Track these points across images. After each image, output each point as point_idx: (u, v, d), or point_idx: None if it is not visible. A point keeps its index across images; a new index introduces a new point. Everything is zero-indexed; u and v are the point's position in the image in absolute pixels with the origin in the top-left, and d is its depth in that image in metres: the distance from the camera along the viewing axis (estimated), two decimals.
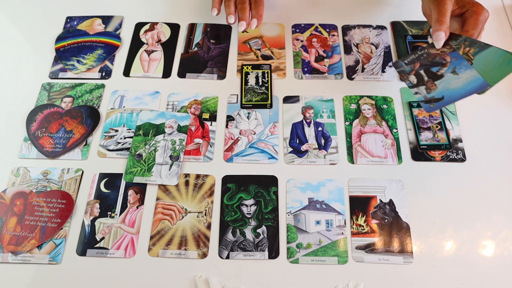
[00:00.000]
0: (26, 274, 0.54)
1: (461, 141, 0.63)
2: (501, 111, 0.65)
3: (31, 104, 0.67)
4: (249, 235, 0.56)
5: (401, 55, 0.64)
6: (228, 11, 0.68)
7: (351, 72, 0.69)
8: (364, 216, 0.57)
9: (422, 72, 0.58)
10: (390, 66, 0.70)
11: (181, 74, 0.70)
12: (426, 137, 0.63)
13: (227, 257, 0.55)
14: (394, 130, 0.64)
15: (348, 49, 0.72)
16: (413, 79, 0.58)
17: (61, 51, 0.72)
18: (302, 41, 0.73)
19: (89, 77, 0.70)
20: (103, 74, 0.70)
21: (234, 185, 0.60)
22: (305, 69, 0.70)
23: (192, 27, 0.75)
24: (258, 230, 0.56)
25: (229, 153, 0.62)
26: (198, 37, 0.74)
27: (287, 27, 0.75)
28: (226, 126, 0.65)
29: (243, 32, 0.68)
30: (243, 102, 0.67)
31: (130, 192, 0.59)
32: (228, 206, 0.58)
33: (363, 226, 0.57)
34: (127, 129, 0.64)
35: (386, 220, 0.57)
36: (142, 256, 0.55)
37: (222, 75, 0.70)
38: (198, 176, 0.60)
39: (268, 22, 0.75)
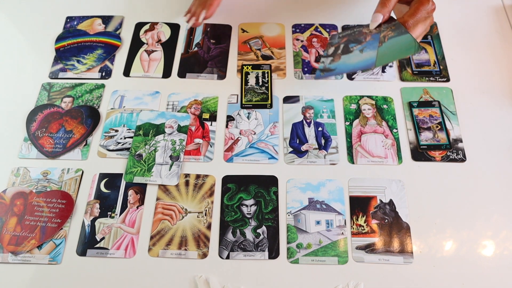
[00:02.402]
0: (26, 274, 0.54)
1: (461, 141, 0.63)
2: (501, 111, 0.65)
3: (31, 104, 0.67)
4: (249, 235, 0.56)
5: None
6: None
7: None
8: (364, 216, 0.57)
9: (342, 46, 0.60)
10: (390, 66, 0.70)
11: (181, 74, 0.70)
12: (426, 137, 0.63)
13: (227, 257, 0.55)
14: (394, 130, 0.64)
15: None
16: (331, 50, 0.61)
17: (61, 51, 0.72)
18: (302, 41, 0.73)
19: (89, 77, 0.70)
20: (103, 74, 0.70)
21: (234, 185, 0.60)
22: (305, 69, 0.70)
23: (192, 27, 0.75)
24: (258, 230, 0.56)
25: (229, 153, 0.62)
26: (198, 37, 0.74)
27: (287, 27, 0.75)
28: (226, 126, 0.65)
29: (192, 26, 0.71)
30: (243, 102, 0.67)
31: (130, 192, 0.59)
32: (228, 206, 0.58)
33: (363, 226, 0.57)
34: (127, 129, 0.64)
35: (386, 220, 0.57)
36: (142, 256, 0.55)
37: (222, 75, 0.70)
38: (198, 176, 0.60)
39: (268, 22, 0.75)
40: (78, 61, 0.71)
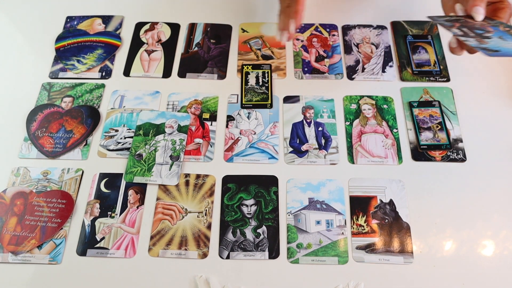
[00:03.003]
0: (26, 274, 0.54)
1: (461, 141, 0.63)
2: (501, 111, 0.65)
3: (31, 104, 0.67)
4: (250, 235, 0.56)
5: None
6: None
7: (351, 72, 0.69)
8: (365, 216, 0.57)
9: (465, 29, 0.54)
10: (390, 66, 0.70)
11: (181, 74, 0.70)
12: (426, 137, 0.63)
13: (228, 257, 0.55)
14: (395, 130, 0.64)
15: (348, 49, 0.72)
16: (457, 31, 0.54)
17: (61, 51, 0.72)
18: (302, 41, 0.73)
19: (89, 77, 0.70)
20: (103, 74, 0.70)
21: (235, 185, 0.60)
22: (305, 69, 0.70)
23: (192, 27, 0.75)
24: (258, 230, 0.56)
25: (229, 153, 0.62)
26: (198, 37, 0.74)
27: None
28: (227, 126, 0.65)
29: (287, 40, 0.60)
30: (243, 102, 0.67)
31: (130, 192, 0.59)
32: (228, 206, 0.58)
33: (363, 226, 0.57)
34: (127, 129, 0.64)
35: (387, 220, 0.57)
36: (142, 256, 0.55)
37: (222, 75, 0.70)
38: (198, 176, 0.60)
39: (268, 22, 0.75)
40: (78, 61, 0.71)
